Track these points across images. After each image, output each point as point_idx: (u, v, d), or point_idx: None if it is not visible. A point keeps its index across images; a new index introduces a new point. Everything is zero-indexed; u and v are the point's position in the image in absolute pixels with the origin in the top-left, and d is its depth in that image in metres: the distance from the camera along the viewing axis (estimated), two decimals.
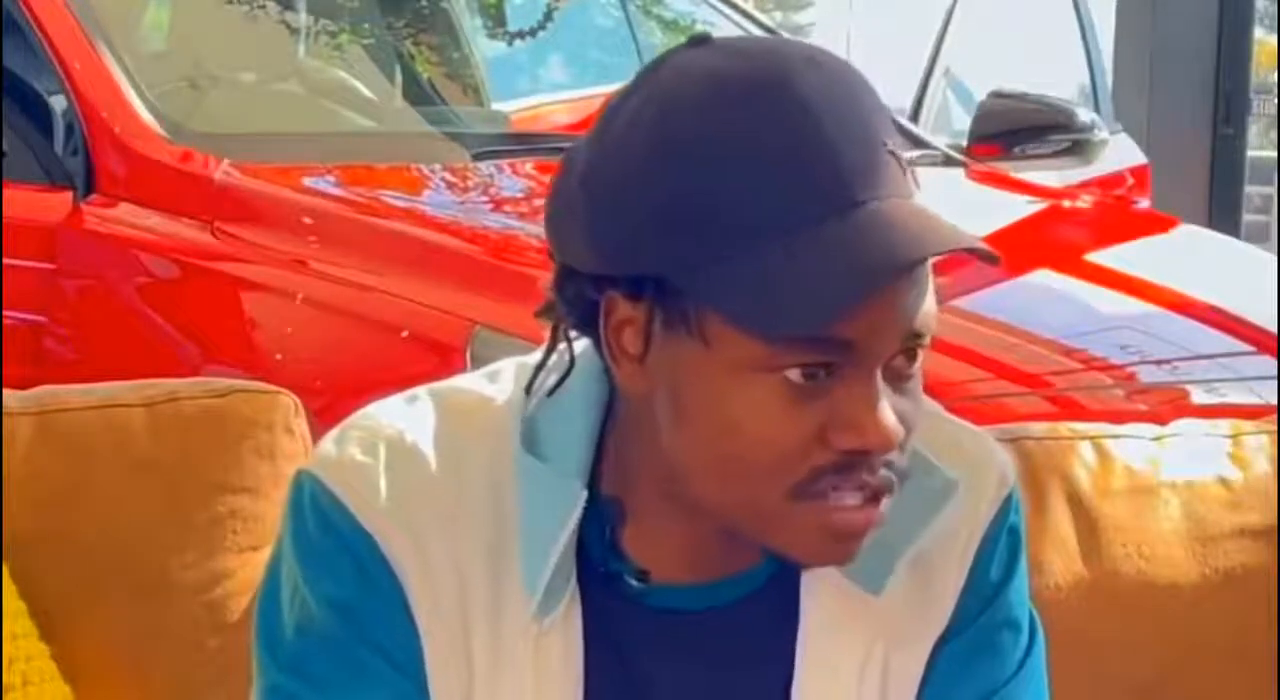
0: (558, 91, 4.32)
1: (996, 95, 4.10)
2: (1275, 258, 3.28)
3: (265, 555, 1.43)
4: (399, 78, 4.01)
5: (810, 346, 1.22)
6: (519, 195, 3.36)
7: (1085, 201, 3.86)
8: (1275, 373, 2.61)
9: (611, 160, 1.26)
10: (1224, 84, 6.59)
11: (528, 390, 1.35)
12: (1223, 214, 6.44)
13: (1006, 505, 1.44)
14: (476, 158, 3.37)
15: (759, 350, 1.22)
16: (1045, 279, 3.05)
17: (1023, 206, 3.61)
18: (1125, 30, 6.69)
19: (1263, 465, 2.00)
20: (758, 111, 1.22)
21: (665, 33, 4.20)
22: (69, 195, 3.09)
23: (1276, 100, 9.14)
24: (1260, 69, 8.29)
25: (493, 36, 4.39)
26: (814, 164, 1.22)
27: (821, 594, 1.38)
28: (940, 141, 3.98)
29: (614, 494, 1.34)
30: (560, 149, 1.37)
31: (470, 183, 3.33)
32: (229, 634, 1.77)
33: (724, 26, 3.93)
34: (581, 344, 1.34)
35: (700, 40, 1.28)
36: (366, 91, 3.80)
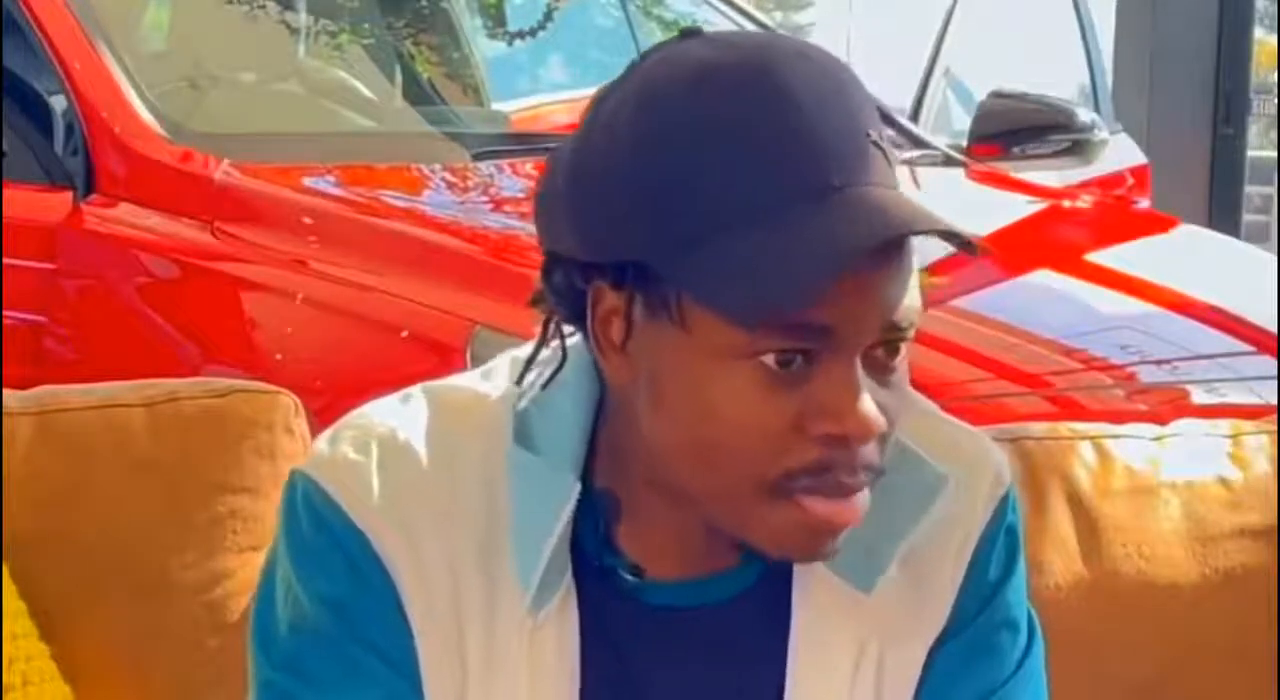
0: (558, 91, 4.32)
1: (996, 95, 4.10)
2: (1275, 258, 3.28)
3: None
4: (399, 78, 4.01)
5: (787, 332, 1.22)
6: (519, 195, 3.35)
7: (1085, 201, 3.86)
8: (1275, 373, 2.61)
9: (596, 148, 1.27)
10: (1224, 84, 6.59)
11: (519, 383, 1.36)
12: (1223, 214, 6.44)
13: (1003, 505, 1.44)
14: (476, 158, 3.37)
15: (737, 335, 1.22)
16: (1045, 279, 3.05)
17: (1023, 206, 3.61)
18: (1125, 30, 6.69)
19: (1263, 465, 2.00)
20: (740, 98, 1.23)
21: (665, 33, 4.20)
22: (69, 195, 3.09)
23: (1276, 100, 9.13)
24: (1260, 69, 8.28)
25: (493, 36, 4.39)
26: (794, 150, 1.22)
27: (813, 592, 1.38)
28: (940, 141, 3.98)
29: (607, 487, 1.34)
30: None
31: (470, 183, 3.33)
32: (229, 634, 1.77)
33: (724, 26, 3.93)
34: (574, 339, 1.34)
35: (690, 33, 1.29)
36: (366, 91, 3.80)
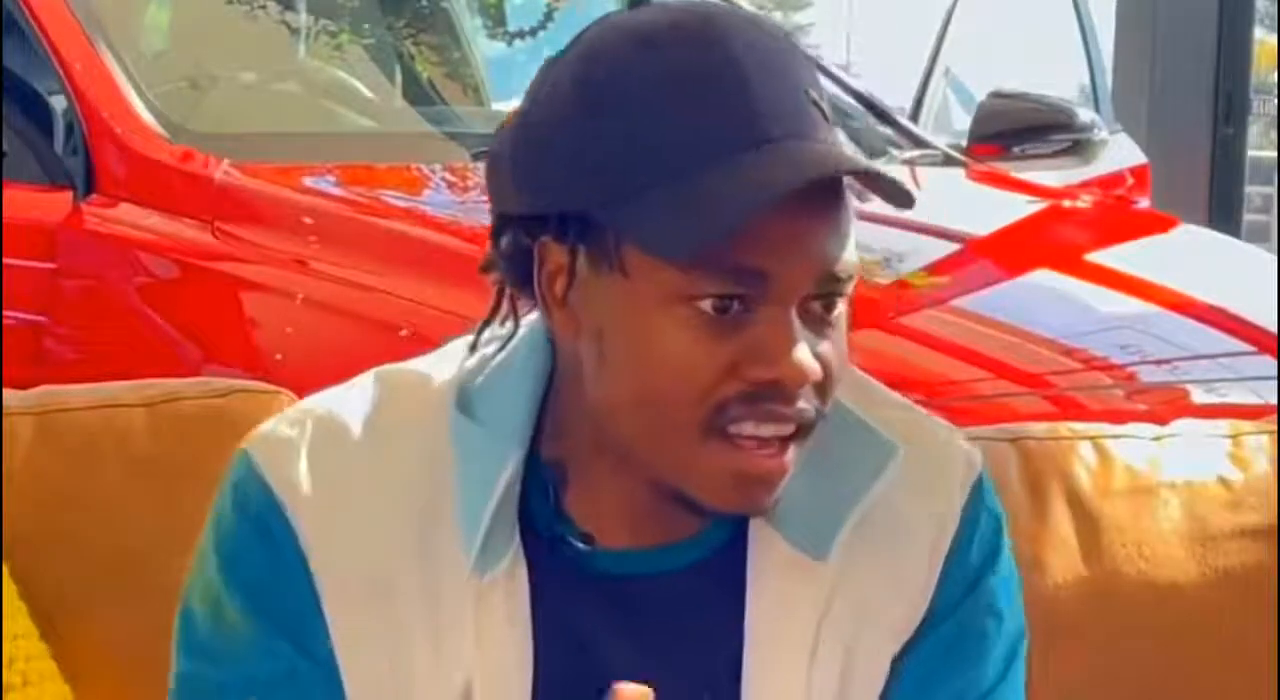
0: None
1: (996, 95, 4.11)
2: (1275, 258, 3.28)
3: None
4: (399, 78, 4.01)
5: (723, 275, 1.26)
6: None
7: (1085, 201, 3.86)
8: (1275, 373, 2.61)
9: (542, 107, 1.31)
10: (1224, 84, 6.59)
11: (472, 348, 1.39)
12: (1223, 214, 6.45)
13: (979, 490, 1.46)
14: (476, 158, 3.36)
15: (674, 278, 1.26)
16: (1045, 279, 3.05)
17: (1023, 206, 3.61)
18: (1125, 30, 6.70)
19: (1263, 465, 2.00)
20: (681, 54, 1.27)
21: None
22: (69, 195, 3.09)
23: (1276, 100, 9.14)
24: (1260, 69, 8.29)
25: (493, 36, 4.39)
26: (733, 103, 1.26)
27: (768, 562, 1.39)
28: (940, 141, 3.98)
29: (556, 458, 1.37)
30: None
31: (470, 183, 3.32)
32: None
33: None
34: (528, 317, 1.38)
35: (638, 3, 1.35)
36: (366, 91, 3.80)
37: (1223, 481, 1.98)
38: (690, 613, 1.39)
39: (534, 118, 1.32)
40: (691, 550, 1.39)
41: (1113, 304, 2.93)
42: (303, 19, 3.90)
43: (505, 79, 4.32)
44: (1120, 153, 4.91)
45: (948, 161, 3.76)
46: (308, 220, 2.96)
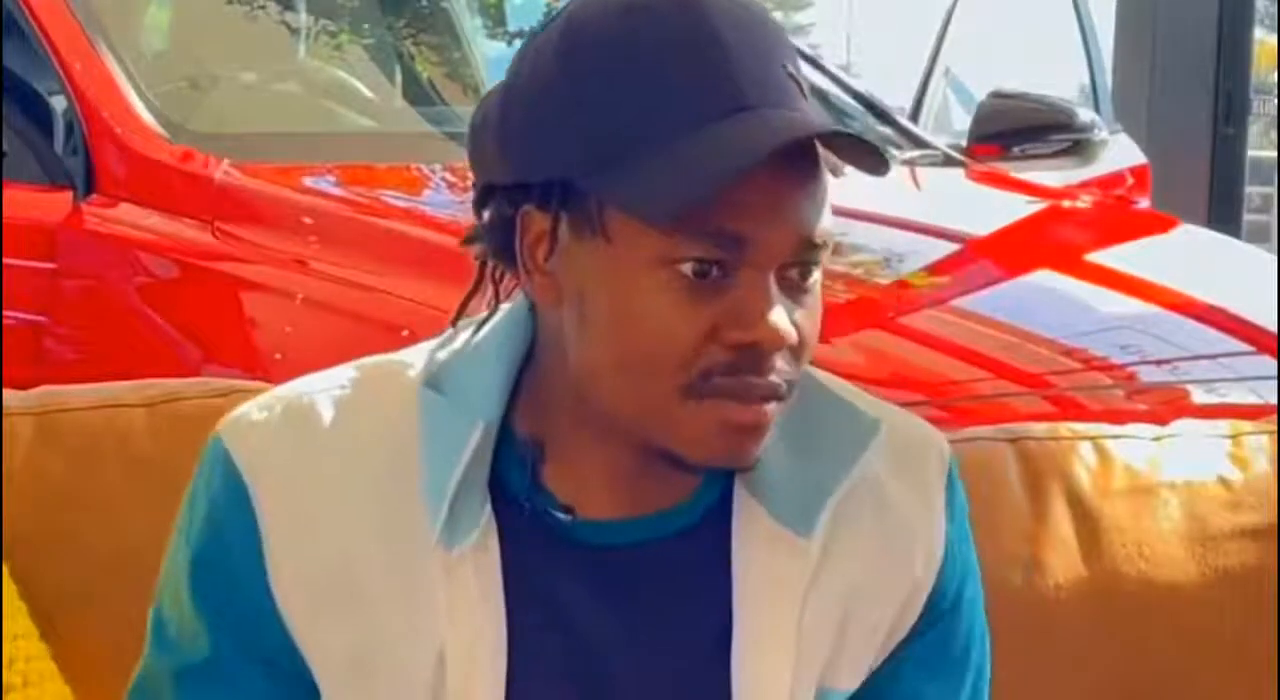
0: None
1: (996, 95, 4.10)
2: (1275, 258, 3.28)
3: None
4: (399, 78, 4.01)
5: (703, 238, 1.28)
6: None
7: (1085, 201, 3.86)
8: (1275, 373, 2.61)
9: (524, 76, 1.34)
10: (1224, 84, 6.59)
11: (454, 323, 1.41)
12: (1223, 214, 6.45)
13: (953, 475, 1.49)
14: None
15: (656, 242, 1.29)
16: (1045, 279, 3.05)
17: (1023, 206, 3.61)
18: (1125, 30, 6.70)
19: (1263, 465, 2.00)
20: (662, 24, 1.30)
21: None
22: (69, 195, 3.09)
23: (1276, 100, 9.14)
24: (1260, 69, 8.29)
25: (493, 36, 4.39)
26: (713, 72, 1.29)
27: (753, 537, 1.41)
28: (940, 141, 3.98)
29: (534, 433, 1.38)
30: None
31: (470, 183, 3.32)
32: None
33: None
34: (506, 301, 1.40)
35: None
36: (366, 91, 3.80)
37: (1223, 481, 1.98)
38: (674, 582, 1.40)
39: (518, 87, 1.35)
40: (674, 519, 1.41)
41: (1113, 304, 2.93)
42: (303, 19, 3.90)
43: None
44: (1120, 153, 4.91)
45: (948, 161, 3.76)
46: (308, 220, 2.96)
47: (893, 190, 3.55)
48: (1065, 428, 2.01)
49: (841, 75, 4.11)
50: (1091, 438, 1.98)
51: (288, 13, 3.88)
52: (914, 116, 4.90)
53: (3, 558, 1.70)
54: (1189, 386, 2.69)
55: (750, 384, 1.31)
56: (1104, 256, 3.27)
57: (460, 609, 1.36)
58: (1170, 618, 1.93)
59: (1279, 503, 1.97)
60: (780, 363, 1.31)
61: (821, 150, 1.32)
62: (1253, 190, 7.72)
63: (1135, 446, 1.99)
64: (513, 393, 1.39)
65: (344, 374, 1.44)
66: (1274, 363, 2.66)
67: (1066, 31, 5.62)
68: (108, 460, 1.78)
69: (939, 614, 1.47)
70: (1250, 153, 6.93)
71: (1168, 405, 2.52)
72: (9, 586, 1.69)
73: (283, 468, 1.38)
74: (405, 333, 2.65)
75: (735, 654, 1.39)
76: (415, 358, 1.43)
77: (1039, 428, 2.00)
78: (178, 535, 1.44)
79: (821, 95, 3.86)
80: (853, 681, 1.44)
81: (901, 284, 2.99)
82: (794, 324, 1.31)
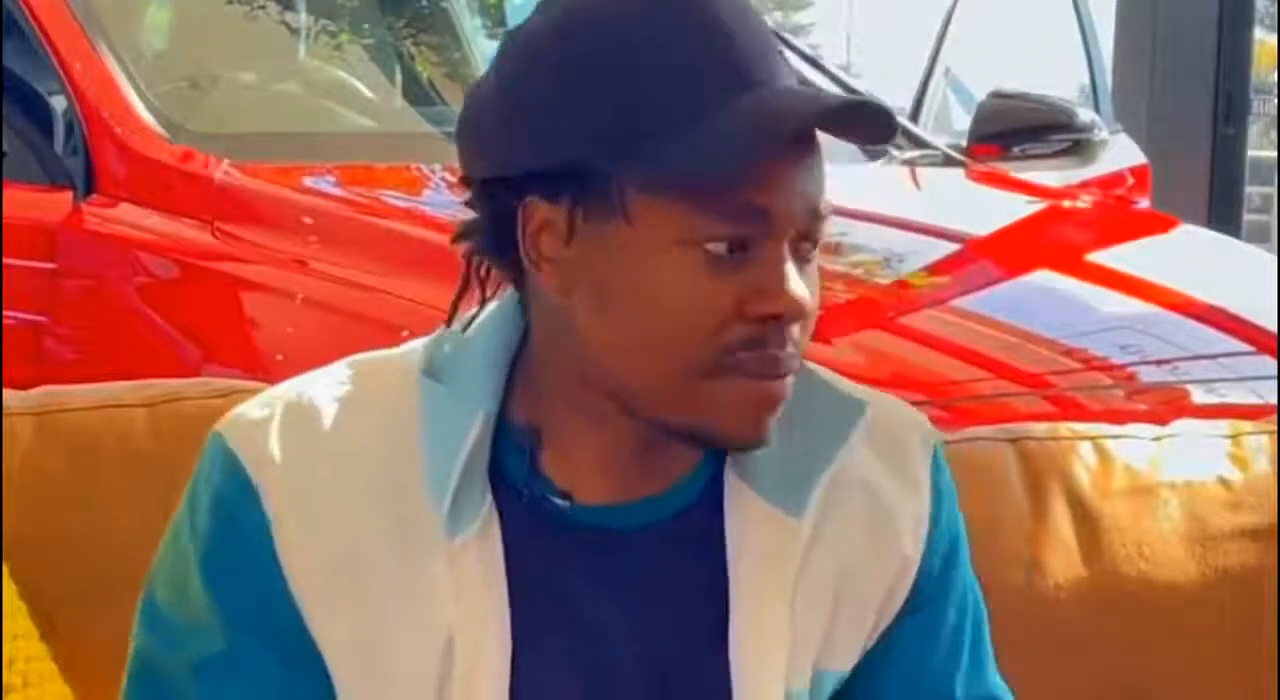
0: None
1: (996, 95, 4.10)
2: (1275, 258, 3.28)
3: None
4: (399, 78, 4.01)
5: (731, 215, 1.31)
6: None
7: (1085, 201, 3.86)
8: (1275, 373, 2.61)
9: (522, 61, 1.35)
10: (1224, 84, 6.59)
11: (449, 322, 1.42)
12: (1223, 214, 6.44)
13: (938, 456, 1.50)
14: None
15: (681, 222, 1.31)
16: (1045, 279, 3.05)
17: (1023, 206, 3.61)
18: (1125, 30, 6.70)
19: (1263, 465, 2.00)
20: (660, 10, 1.32)
21: None
22: (69, 195, 3.09)
23: (1276, 100, 9.14)
24: (1260, 69, 8.29)
25: (493, 37, 4.39)
26: (719, 46, 1.32)
27: (745, 518, 1.43)
28: (940, 141, 3.98)
29: (531, 420, 1.40)
30: None
31: None
32: None
33: None
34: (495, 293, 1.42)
35: None
36: (366, 91, 3.80)
37: (1222, 481, 1.98)
38: (670, 564, 1.42)
39: (516, 77, 1.35)
40: (668, 503, 1.42)
41: (1113, 304, 2.93)
42: (303, 19, 3.90)
43: None
44: (1120, 153, 4.90)
45: (948, 161, 3.76)
46: (308, 220, 2.96)
47: (893, 190, 3.56)
48: (1065, 428, 2.01)
49: (841, 75, 4.11)
50: (1091, 438, 1.98)
51: (288, 13, 3.88)
52: (914, 116, 4.90)
53: (3, 558, 1.70)
54: (1189, 386, 2.69)
55: (772, 357, 1.33)
56: (1104, 256, 3.27)
57: (465, 596, 1.37)
58: (1170, 618, 1.93)
59: (1279, 503, 1.97)
60: (794, 332, 1.34)
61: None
62: (1253, 190, 7.72)
63: (1135, 446, 1.99)
64: (510, 381, 1.40)
65: (340, 370, 1.45)
66: (1274, 363, 2.66)
67: (1066, 31, 5.62)
68: (108, 460, 1.78)
69: (928, 595, 1.48)
70: (1250, 153, 6.93)
71: (1168, 405, 2.52)
72: (9, 586, 1.69)
73: (286, 463, 1.39)
74: (405, 333, 2.63)
75: (732, 634, 1.41)
76: (410, 352, 1.44)
77: (1039, 428, 2.00)
78: (179, 531, 1.44)
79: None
80: (846, 662, 1.46)
81: (901, 284, 2.99)
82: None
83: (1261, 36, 8.16)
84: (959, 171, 3.73)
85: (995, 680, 1.54)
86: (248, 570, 1.39)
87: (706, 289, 1.31)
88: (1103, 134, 4.09)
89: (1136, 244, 3.43)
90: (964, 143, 4.00)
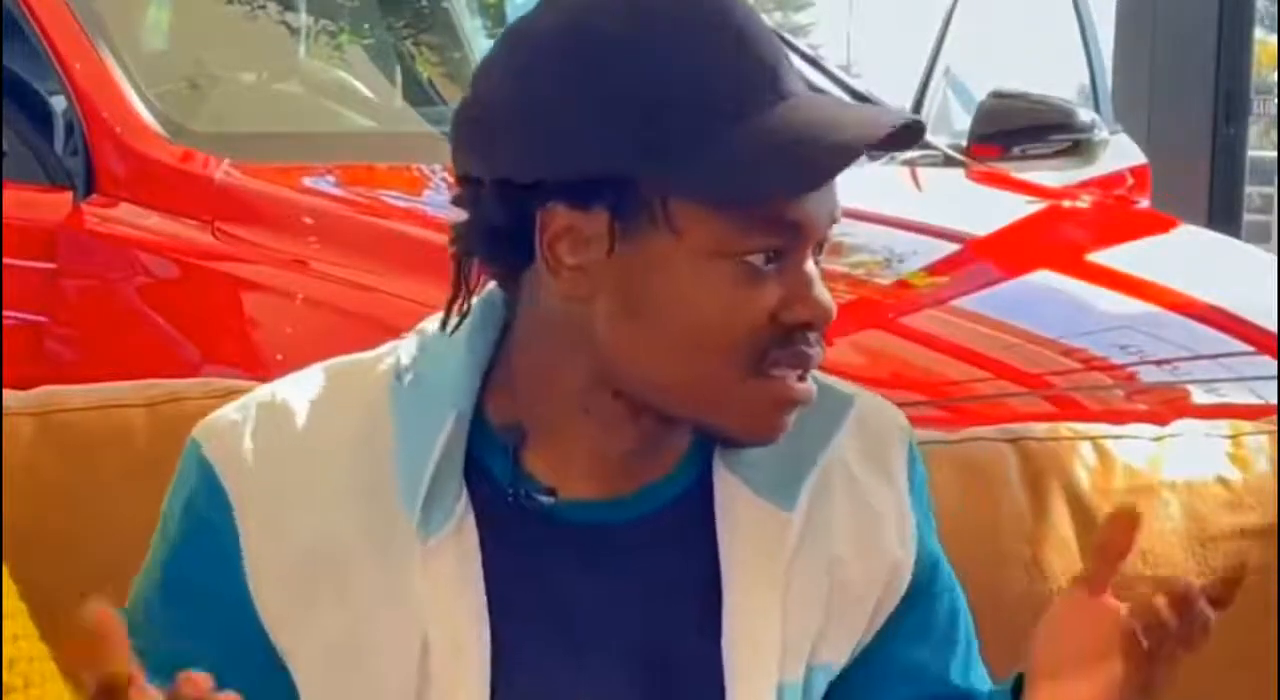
0: None
1: (996, 95, 4.10)
2: (1275, 258, 3.28)
3: None
4: (399, 78, 4.01)
5: (773, 228, 1.32)
6: None
7: (1085, 201, 3.86)
8: (1275, 373, 2.61)
9: (539, 64, 1.33)
10: (1224, 84, 6.59)
11: (443, 327, 1.41)
12: (1223, 214, 6.44)
13: (913, 448, 1.51)
14: None
15: (725, 233, 1.32)
16: (1045, 279, 3.05)
17: (1023, 206, 3.61)
18: (1125, 30, 6.69)
19: (1263, 465, 1.99)
20: (685, 15, 1.32)
21: None
22: (69, 195, 3.09)
23: (1276, 100, 9.14)
24: (1260, 69, 8.28)
25: (492, 37, 4.39)
26: (750, 54, 1.33)
27: (735, 511, 1.43)
28: (940, 141, 3.98)
29: (513, 420, 1.40)
30: None
31: None
32: None
33: None
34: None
35: None
36: (366, 91, 3.80)
37: (1222, 481, 1.98)
38: (659, 557, 1.42)
39: (528, 83, 1.33)
40: (655, 496, 1.42)
41: (1113, 304, 2.93)
42: (303, 19, 3.90)
43: None
44: (1120, 153, 4.90)
45: (948, 161, 3.76)
46: (308, 220, 2.96)
47: (893, 190, 3.56)
48: (1065, 428, 2.01)
49: (841, 75, 4.11)
50: (1091, 438, 1.98)
51: (288, 13, 3.88)
52: None
53: (3, 558, 1.69)
54: (1189, 386, 2.69)
55: (805, 354, 1.36)
56: (1104, 256, 3.27)
57: (440, 598, 1.37)
58: None
59: (1279, 503, 1.97)
60: (818, 334, 1.37)
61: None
62: (1253, 190, 7.71)
63: (1135, 446, 1.99)
64: (485, 382, 1.40)
65: (314, 374, 1.45)
66: (1274, 363, 2.66)
67: (1066, 31, 5.62)
68: (107, 460, 1.78)
69: (919, 588, 1.49)
70: (1250, 153, 6.92)
71: (1168, 405, 2.52)
72: (9, 586, 1.69)
73: (259, 467, 1.39)
74: (405, 333, 2.65)
75: (725, 627, 1.41)
76: (384, 354, 1.44)
77: (1039, 428, 1.99)
78: (156, 537, 1.46)
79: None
80: (840, 656, 1.46)
81: (902, 284, 3.00)
82: None
83: (1261, 36, 8.15)
84: (959, 171, 3.73)
85: (980, 671, 1.54)
86: (210, 578, 1.39)
87: (747, 298, 1.33)
88: (1103, 134, 4.09)
89: (1136, 244, 3.43)
90: (964, 143, 4.00)
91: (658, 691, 1.40)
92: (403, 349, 1.43)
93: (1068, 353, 2.73)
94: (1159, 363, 2.81)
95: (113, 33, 3.31)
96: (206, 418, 1.44)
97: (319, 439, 1.39)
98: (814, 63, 4.11)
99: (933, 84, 5.21)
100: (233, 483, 1.39)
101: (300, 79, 3.81)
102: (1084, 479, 1.94)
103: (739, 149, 1.30)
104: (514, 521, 1.39)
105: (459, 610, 1.37)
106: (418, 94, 4.04)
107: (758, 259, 1.33)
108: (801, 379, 1.37)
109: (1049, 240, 3.41)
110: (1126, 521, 1.40)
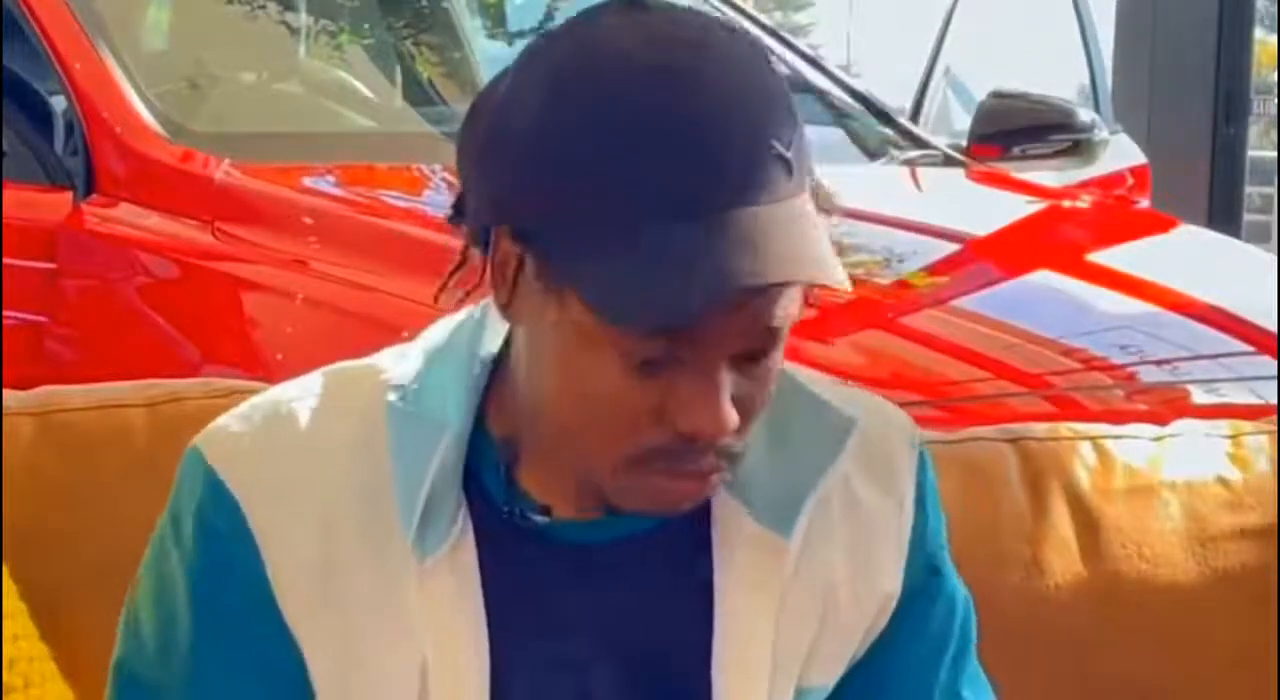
0: None
1: (996, 95, 4.10)
2: (1275, 258, 3.28)
3: None
4: (399, 78, 4.01)
5: (658, 339, 1.24)
6: None
7: (1085, 201, 3.86)
8: (1275, 373, 2.61)
9: (512, 110, 1.28)
10: (1224, 84, 6.59)
11: (435, 301, 1.39)
12: (1223, 214, 6.44)
13: (924, 459, 1.48)
14: None
15: (609, 331, 1.24)
16: (1045, 279, 3.05)
17: (1023, 206, 3.61)
18: (1125, 30, 6.70)
19: (1263, 465, 2.00)
20: (644, 105, 1.23)
21: None
22: (69, 195, 3.09)
23: (1276, 100, 9.14)
24: (1260, 69, 8.29)
25: (493, 36, 4.39)
26: (689, 163, 1.22)
27: (733, 536, 1.41)
28: (940, 141, 3.98)
29: (509, 435, 1.37)
30: None
31: None
32: None
33: None
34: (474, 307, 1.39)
35: (629, 4, 1.29)
36: (366, 91, 3.80)
37: (1222, 481, 1.98)
38: (653, 577, 1.41)
39: (500, 115, 1.29)
40: (650, 517, 1.40)
41: (1113, 304, 2.93)
42: (303, 19, 3.90)
43: None
44: (1120, 153, 4.91)
45: (948, 161, 3.76)
46: (308, 220, 2.96)
47: (893, 190, 3.56)
48: (1065, 428, 2.01)
49: (841, 75, 4.11)
50: (1091, 438, 1.98)
51: (288, 13, 3.88)
52: (914, 116, 4.90)
53: (3, 558, 1.70)
54: (1189, 386, 2.69)
55: (690, 466, 1.29)
56: (1104, 256, 3.27)
57: (437, 619, 1.36)
58: (1170, 618, 1.93)
59: (1279, 503, 1.97)
60: (724, 441, 1.29)
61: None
62: (1253, 190, 7.72)
63: (1135, 446, 1.99)
64: (487, 394, 1.38)
65: (314, 381, 1.43)
66: (1274, 363, 2.66)
67: (1066, 31, 5.62)
68: (107, 460, 1.78)
69: (909, 602, 1.47)
70: (1250, 153, 6.92)
71: (1168, 405, 2.52)
72: (9, 586, 1.69)
73: (266, 477, 1.38)
74: (405, 333, 2.64)
75: (716, 653, 1.40)
76: (385, 363, 1.42)
77: (1039, 428, 1.99)
78: (163, 547, 1.43)
79: (821, 95, 3.86)
80: (829, 678, 1.45)
81: (901, 284, 2.99)
82: (741, 401, 1.28)
83: (1261, 36, 8.16)
84: (959, 171, 3.73)
85: (975, 685, 1.52)
86: (239, 589, 1.38)
87: (629, 389, 1.26)
88: (1103, 134, 4.08)
89: (1136, 244, 3.43)
90: (964, 143, 4.00)
91: None
92: (402, 368, 1.40)
93: (1068, 353, 2.73)
94: (1159, 363, 2.81)
95: (113, 33, 3.31)
96: (208, 427, 1.43)
97: (321, 451, 1.38)
98: (814, 63, 4.11)
99: (933, 84, 5.22)
100: (243, 492, 1.38)
101: (300, 79, 3.81)
102: (1084, 479, 1.94)
103: (618, 264, 1.22)
104: (510, 539, 1.38)
105: (455, 632, 1.36)
106: (418, 94, 4.04)
107: (643, 361, 1.25)
108: (701, 477, 1.30)
109: (1049, 240, 3.41)
110: None
